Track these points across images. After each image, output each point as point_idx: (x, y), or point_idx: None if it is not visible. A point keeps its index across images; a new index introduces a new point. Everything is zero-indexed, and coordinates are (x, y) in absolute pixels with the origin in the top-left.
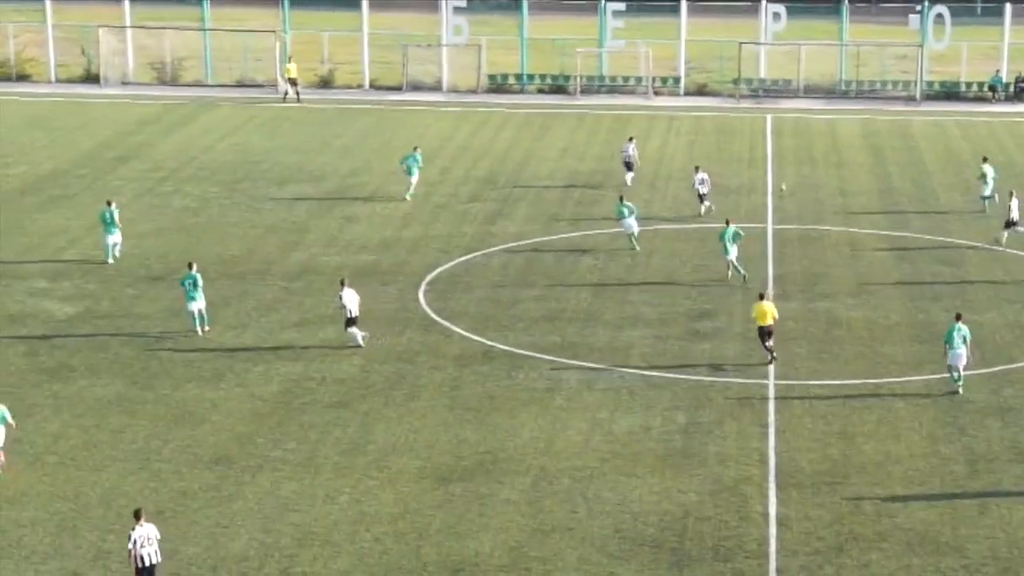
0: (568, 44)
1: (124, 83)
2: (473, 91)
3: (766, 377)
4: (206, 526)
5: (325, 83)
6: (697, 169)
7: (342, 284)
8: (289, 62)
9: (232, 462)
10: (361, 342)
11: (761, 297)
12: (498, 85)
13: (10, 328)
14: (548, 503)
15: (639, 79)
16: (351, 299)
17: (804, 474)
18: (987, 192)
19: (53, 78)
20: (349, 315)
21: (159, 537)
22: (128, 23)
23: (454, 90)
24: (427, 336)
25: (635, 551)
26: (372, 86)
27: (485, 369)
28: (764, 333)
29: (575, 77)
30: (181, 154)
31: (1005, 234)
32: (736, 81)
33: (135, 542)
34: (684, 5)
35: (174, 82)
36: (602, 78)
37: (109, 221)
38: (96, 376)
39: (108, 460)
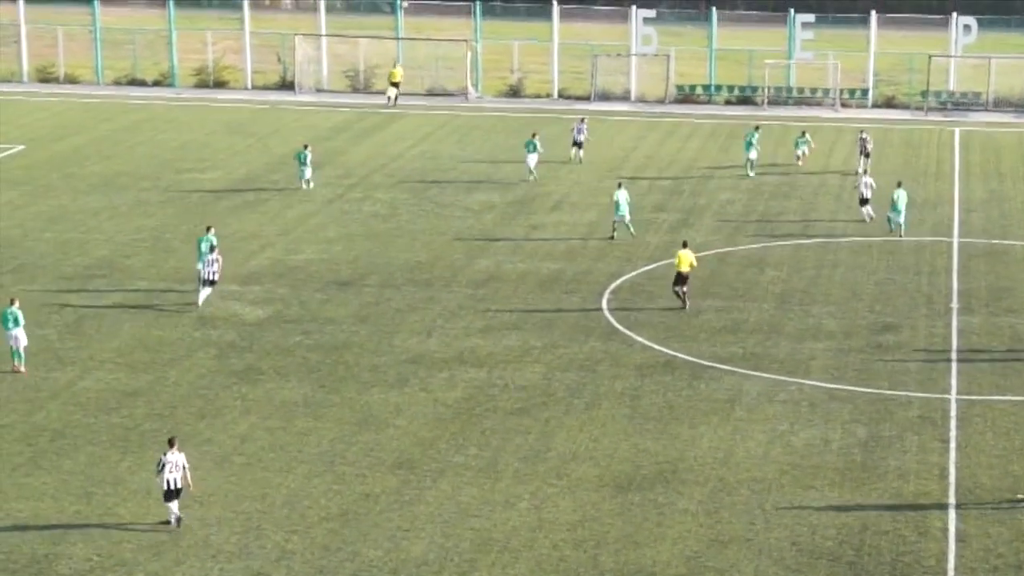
0: (756, 55)
1: (318, 90)
2: (661, 101)
3: (948, 392)
4: (388, 529)
5: (515, 92)
6: (582, 120)
7: (211, 249)
8: (395, 66)
9: (414, 466)
10: (200, 302)
11: (684, 245)
12: (686, 95)
13: (202, 330)
14: (726, 514)
15: (827, 91)
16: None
17: (984, 490)
18: (751, 156)
19: (249, 85)
20: (209, 277)
21: (187, 465)
22: (323, 32)
23: (642, 100)
24: (609, 345)
25: (812, 564)
26: (561, 95)
27: (666, 379)
28: (680, 279)
29: (763, 88)
30: (372, 161)
31: (864, 211)
32: (924, 94)
33: (164, 466)
34: (874, 17)
35: (366, 90)
36: (790, 89)
37: (303, 161)
38: (284, 379)
39: (294, 462)
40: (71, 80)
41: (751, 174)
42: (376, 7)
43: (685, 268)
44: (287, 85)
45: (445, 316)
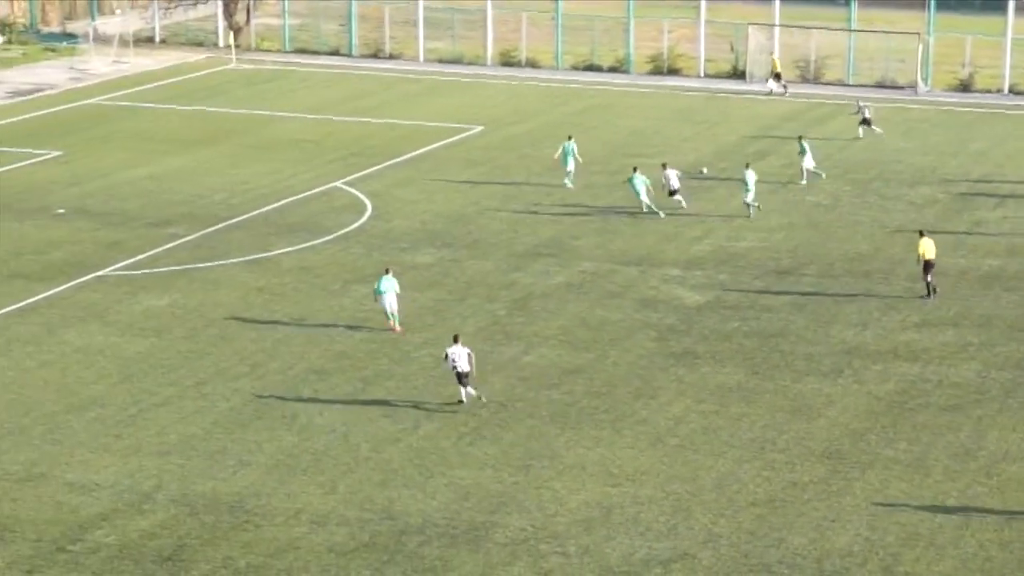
0: None
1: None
2: None
3: None
4: (814, 518)
5: (965, 87)
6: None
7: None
8: (772, 55)
9: (843, 457)
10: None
11: (921, 234)
12: None
13: (643, 312)
14: None
15: None
16: None
17: None
18: (569, 170)
19: (702, 73)
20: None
21: (471, 353)
22: (777, 22)
23: None
24: None
25: None
26: (1011, 91)
27: None
28: (927, 267)
29: None
30: (816, 151)
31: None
32: None
33: (448, 357)
34: None
35: (816, 80)
36: None
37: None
38: (719, 364)
39: (725, 446)
40: (531, 64)
41: (569, 184)
42: None
43: (930, 256)
44: (738, 74)
45: (882, 309)
